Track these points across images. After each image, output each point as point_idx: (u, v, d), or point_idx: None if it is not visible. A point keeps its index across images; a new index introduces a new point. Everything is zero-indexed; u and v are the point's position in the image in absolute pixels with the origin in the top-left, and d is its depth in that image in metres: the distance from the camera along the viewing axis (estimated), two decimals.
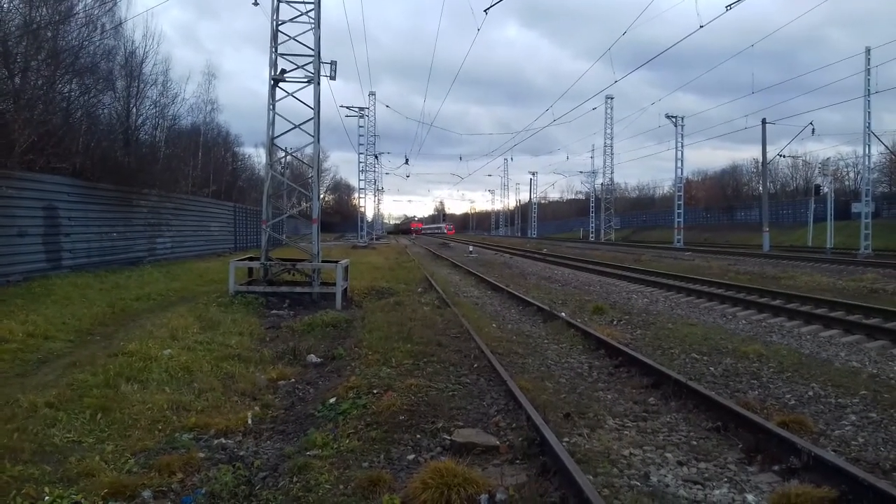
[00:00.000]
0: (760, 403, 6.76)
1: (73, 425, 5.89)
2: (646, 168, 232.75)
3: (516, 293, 16.02)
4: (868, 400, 6.86)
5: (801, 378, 7.78)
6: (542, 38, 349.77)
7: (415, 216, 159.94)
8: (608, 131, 63.71)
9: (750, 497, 4.61)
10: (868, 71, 32.69)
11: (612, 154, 64.76)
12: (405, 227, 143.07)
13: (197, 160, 37.48)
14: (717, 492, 4.71)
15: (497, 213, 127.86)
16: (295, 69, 15.45)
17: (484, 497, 4.40)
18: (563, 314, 12.35)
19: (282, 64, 15.43)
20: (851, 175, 68.84)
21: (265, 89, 15.67)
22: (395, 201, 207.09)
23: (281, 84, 15.45)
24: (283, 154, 17.34)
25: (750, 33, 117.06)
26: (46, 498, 4.41)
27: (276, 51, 15.31)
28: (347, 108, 51.24)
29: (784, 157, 46.95)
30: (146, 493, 4.65)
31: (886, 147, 46.19)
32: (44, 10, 18.51)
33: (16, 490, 4.50)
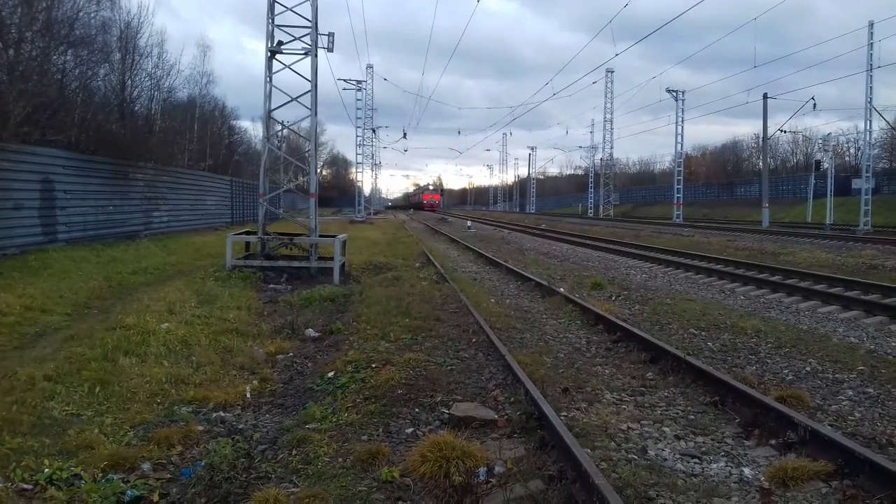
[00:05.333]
0: (758, 378, 6.78)
1: (72, 398, 5.90)
2: (641, 143, 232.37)
3: (514, 268, 16.01)
4: (865, 375, 6.89)
5: (799, 353, 7.80)
6: (522, 8, 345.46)
7: (428, 185, 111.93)
8: (608, 105, 63.24)
9: (747, 471, 4.63)
10: (871, 45, 32.40)
11: (612, 129, 64.40)
12: (416, 201, 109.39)
13: (193, 133, 37.16)
14: (714, 466, 4.73)
15: (495, 189, 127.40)
16: (292, 41, 15.27)
17: (482, 470, 4.42)
18: (561, 289, 12.35)
19: (278, 35, 15.25)
20: (852, 151, 68.68)
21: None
22: (391, 176, 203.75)
23: (277, 56, 15.27)
24: (280, 127, 17.19)
25: (742, 6, 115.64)
26: (46, 470, 4.42)
27: (272, 22, 15.11)
28: (345, 80, 50.79)
29: (784, 132, 46.74)
30: (145, 466, 4.67)
31: (888, 122, 45.91)
32: None
33: (15, 462, 4.52)
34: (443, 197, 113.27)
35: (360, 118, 55.08)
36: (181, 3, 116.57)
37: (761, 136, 42.92)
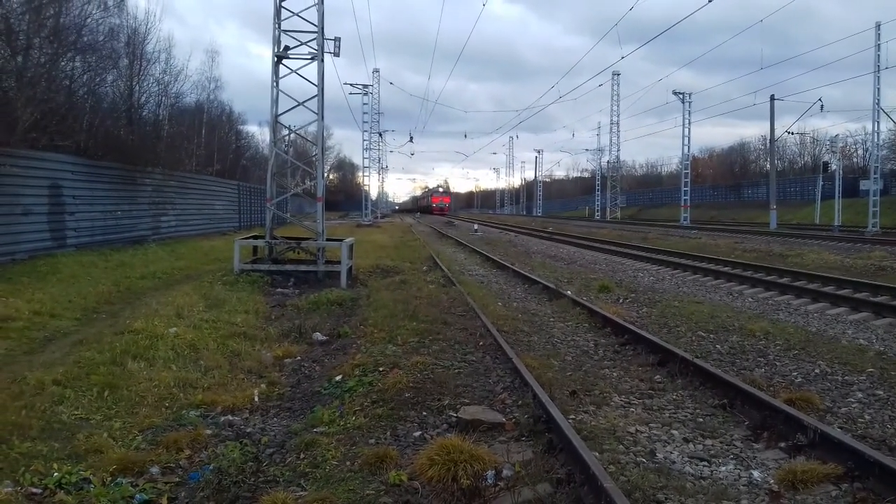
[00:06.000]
0: (767, 381, 6.74)
1: (81, 402, 5.91)
2: (647, 145, 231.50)
3: (522, 271, 16.00)
4: (875, 377, 6.84)
5: (808, 355, 7.76)
6: (528, 11, 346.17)
7: (438, 187, 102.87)
8: (615, 108, 63.14)
9: (756, 473, 4.61)
10: (878, 46, 32.26)
11: (619, 131, 64.32)
12: (424, 204, 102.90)
13: (201, 138, 37.37)
14: (723, 468, 4.71)
15: (502, 192, 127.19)
16: (298, 45, 15.33)
17: (490, 473, 4.41)
18: (568, 292, 12.33)
19: (284, 40, 15.31)
20: (860, 152, 68.33)
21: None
22: (398, 179, 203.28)
23: (284, 61, 15.33)
24: (287, 132, 17.24)
25: (746, 7, 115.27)
26: (55, 474, 4.44)
27: (279, 27, 15.17)
28: (351, 85, 50.86)
29: (792, 134, 46.58)
30: (154, 469, 4.68)
31: (895, 123, 45.64)
32: None
33: (24, 466, 4.53)
34: (452, 200, 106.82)
35: (366, 122, 55.22)
36: (186, 9, 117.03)
37: (769, 137, 42.79)
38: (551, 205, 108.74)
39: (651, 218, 67.59)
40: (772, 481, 4.45)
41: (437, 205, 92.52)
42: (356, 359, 7.29)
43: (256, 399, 6.43)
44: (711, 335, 8.95)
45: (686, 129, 50.34)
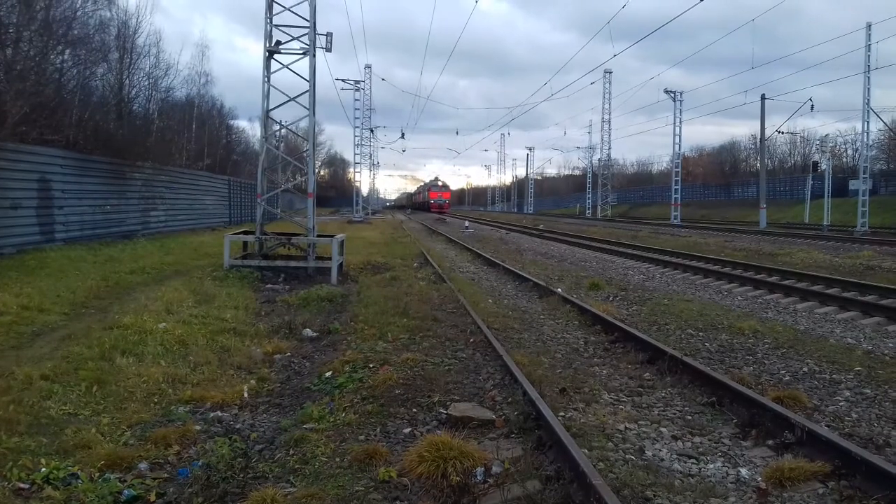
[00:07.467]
0: (755, 379, 6.78)
1: (69, 398, 5.88)
2: (638, 144, 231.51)
3: (512, 269, 16.01)
4: (862, 376, 6.89)
5: (797, 354, 7.81)
6: (515, 9, 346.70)
7: (436, 180, 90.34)
8: (606, 106, 63.30)
9: (744, 471, 4.63)
10: (868, 47, 32.45)
11: (610, 129, 64.48)
12: (420, 200, 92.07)
13: (191, 133, 37.14)
14: (711, 466, 4.74)
15: (493, 189, 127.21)
16: (290, 41, 15.27)
17: (480, 470, 4.41)
18: (559, 290, 12.35)
19: (276, 35, 15.25)
20: (849, 152, 68.72)
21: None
22: (389, 176, 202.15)
23: (275, 56, 15.27)
24: (278, 127, 17.17)
25: (736, 7, 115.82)
26: (43, 469, 4.41)
27: (270, 22, 15.11)
28: (343, 80, 50.72)
29: (782, 133, 46.83)
30: (143, 465, 4.67)
31: (885, 124, 46.03)
32: None
33: (12, 461, 4.50)
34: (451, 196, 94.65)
35: (357, 118, 55.08)
36: (171, 2, 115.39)
37: (759, 137, 43.00)
38: (542, 202, 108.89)
39: (641, 216, 67.77)
40: (759, 479, 4.48)
41: (435, 201, 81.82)
42: (346, 355, 7.29)
43: (246, 395, 6.42)
44: (700, 333, 9.00)
45: (677, 128, 50.52)
